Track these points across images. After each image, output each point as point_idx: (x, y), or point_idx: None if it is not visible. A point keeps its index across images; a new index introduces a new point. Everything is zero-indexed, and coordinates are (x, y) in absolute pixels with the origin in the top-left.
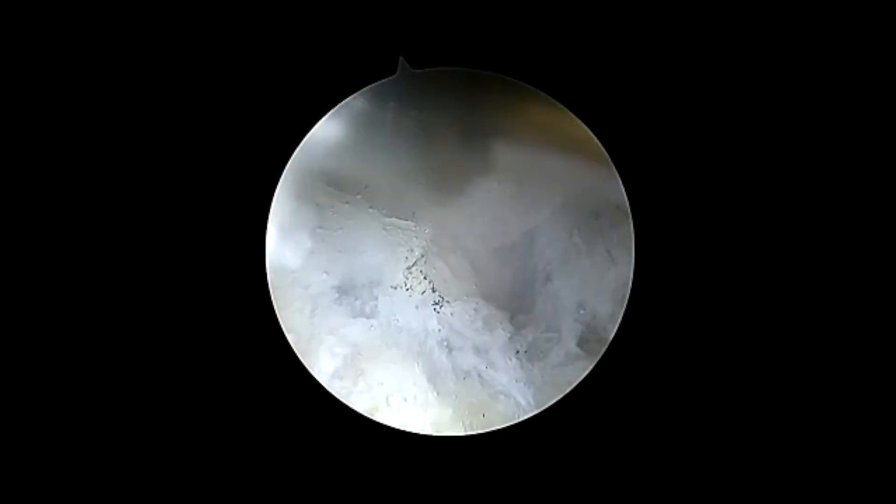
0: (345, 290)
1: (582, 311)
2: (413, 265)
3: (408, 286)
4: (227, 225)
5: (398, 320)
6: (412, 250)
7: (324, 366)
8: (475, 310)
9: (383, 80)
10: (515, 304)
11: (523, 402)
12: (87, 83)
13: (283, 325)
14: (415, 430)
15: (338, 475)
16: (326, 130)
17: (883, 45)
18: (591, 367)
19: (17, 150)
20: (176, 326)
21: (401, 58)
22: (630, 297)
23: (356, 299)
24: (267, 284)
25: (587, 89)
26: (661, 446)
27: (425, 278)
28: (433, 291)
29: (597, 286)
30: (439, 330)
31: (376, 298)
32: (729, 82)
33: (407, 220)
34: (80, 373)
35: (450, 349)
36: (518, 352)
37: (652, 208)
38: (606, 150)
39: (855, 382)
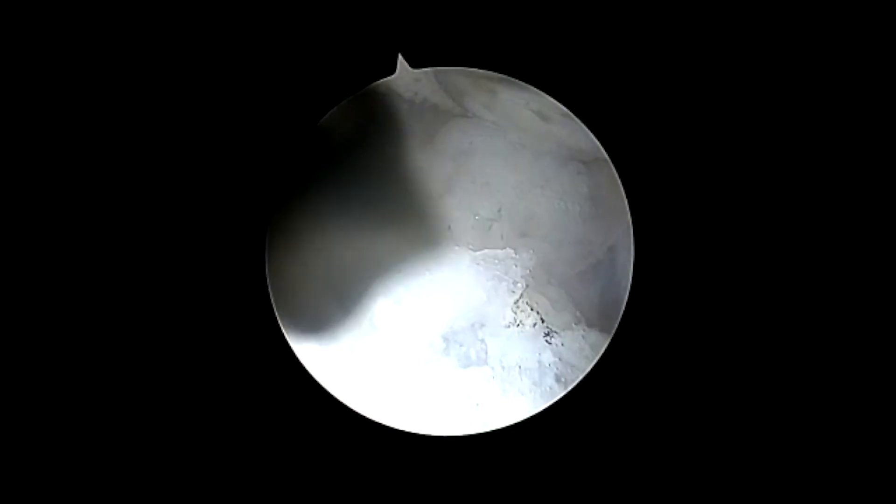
0: (452, 337)
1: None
2: (520, 297)
3: (518, 321)
4: (229, 229)
5: (511, 360)
6: (516, 283)
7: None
8: (583, 337)
9: (383, 80)
10: (611, 323)
11: None
12: (85, 86)
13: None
14: (415, 431)
15: (338, 475)
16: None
17: (883, 45)
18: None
19: (17, 152)
20: (183, 334)
21: (400, 56)
22: (630, 297)
23: (461, 346)
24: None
25: (587, 88)
26: (662, 446)
27: (532, 309)
28: (542, 322)
29: None
30: (555, 362)
31: (483, 341)
32: (729, 83)
33: (503, 248)
34: (89, 378)
35: (566, 384)
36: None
37: (652, 208)
38: (606, 148)
39: (854, 376)
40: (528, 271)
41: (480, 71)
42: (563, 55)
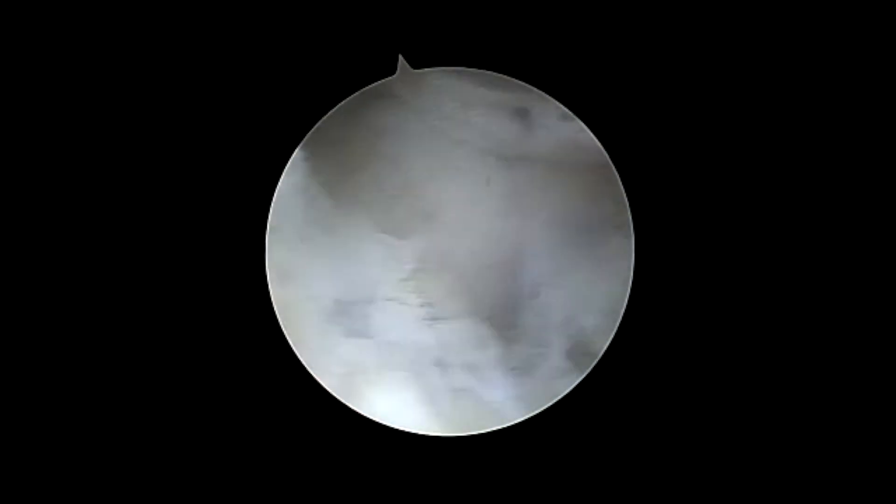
0: (341, 306)
1: (571, 326)
2: (407, 278)
3: (403, 300)
4: (227, 227)
5: (393, 337)
6: (405, 264)
7: (325, 383)
8: (469, 328)
9: (383, 80)
10: (507, 320)
11: (517, 419)
12: (85, 85)
13: (288, 337)
14: (414, 430)
15: (337, 475)
16: (325, 135)
17: (883, 45)
18: (578, 381)
19: (16, 150)
20: (182, 333)
21: (401, 57)
22: (627, 305)
23: (350, 317)
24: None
25: (588, 89)
26: (662, 446)
27: (421, 292)
28: (430, 306)
29: (588, 300)
30: (434, 346)
31: (369, 316)
32: (731, 86)
33: (398, 237)
34: (93, 376)
35: (443, 367)
36: (513, 368)
37: (652, 216)
38: (607, 151)
39: (855, 377)
40: (419, 256)
41: (480, 71)
42: (566, 55)
